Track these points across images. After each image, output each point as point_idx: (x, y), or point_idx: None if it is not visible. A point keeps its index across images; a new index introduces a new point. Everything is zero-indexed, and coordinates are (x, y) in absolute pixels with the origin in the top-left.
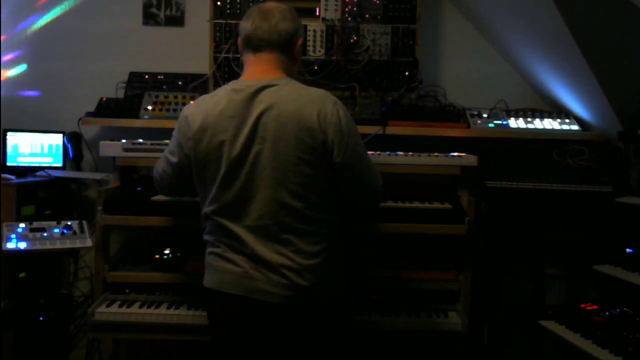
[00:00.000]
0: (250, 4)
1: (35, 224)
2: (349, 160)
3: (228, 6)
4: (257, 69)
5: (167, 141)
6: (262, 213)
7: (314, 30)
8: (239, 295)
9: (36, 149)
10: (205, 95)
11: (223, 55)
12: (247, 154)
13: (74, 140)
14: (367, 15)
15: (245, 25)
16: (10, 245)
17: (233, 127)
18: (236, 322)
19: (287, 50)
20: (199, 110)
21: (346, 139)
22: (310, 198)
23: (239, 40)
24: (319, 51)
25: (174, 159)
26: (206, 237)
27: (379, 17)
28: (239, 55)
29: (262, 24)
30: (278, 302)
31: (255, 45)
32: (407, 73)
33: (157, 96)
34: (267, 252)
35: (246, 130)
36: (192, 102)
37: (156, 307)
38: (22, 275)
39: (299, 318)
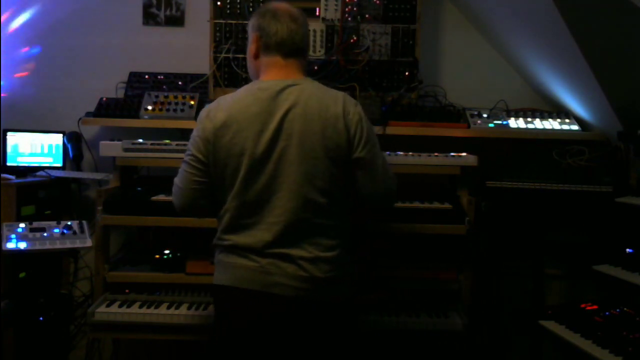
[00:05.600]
0: (251, 5)
1: (35, 224)
2: (367, 156)
3: (228, 6)
4: (282, 72)
5: (167, 141)
6: (285, 209)
7: (314, 30)
8: (256, 290)
9: (36, 149)
10: (225, 95)
11: (223, 55)
12: (272, 150)
13: (74, 140)
14: (367, 15)
15: (276, 28)
16: (10, 245)
17: (258, 123)
18: (253, 317)
19: (306, 55)
20: (222, 107)
21: (365, 136)
22: (335, 194)
23: (257, 37)
24: (319, 51)
25: (195, 160)
26: (218, 237)
27: (379, 17)
28: (239, 55)
29: (297, 29)
30: (295, 295)
31: (289, 52)
32: (407, 73)
33: (157, 96)
34: (285, 247)
35: (272, 126)
36: (192, 102)
37: (156, 307)
38: (22, 275)
39: (314, 313)
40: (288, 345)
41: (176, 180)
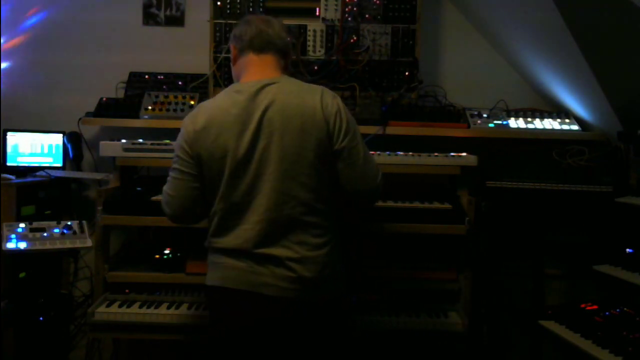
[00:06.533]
0: (251, 5)
1: (35, 224)
2: (347, 146)
3: (228, 6)
4: (257, 70)
5: (167, 141)
6: (268, 206)
7: (314, 30)
8: (244, 290)
9: (36, 149)
10: (204, 101)
11: (223, 55)
12: (254, 149)
13: (74, 140)
14: (367, 15)
15: (247, 30)
16: (10, 245)
17: (238, 124)
18: (241, 317)
19: (285, 57)
20: (201, 112)
21: (345, 127)
22: (320, 190)
23: (233, 46)
24: (319, 51)
25: (184, 165)
26: (209, 240)
27: (379, 17)
28: None
29: (267, 29)
30: (283, 295)
31: (259, 46)
32: (407, 73)
33: (157, 96)
34: (272, 246)
35: (252, 126)
36: (192, 102)
37: (156, 307)
38: (22, 275)
39: (303, 313)
40: (278, 345)
41: (166, 188)
